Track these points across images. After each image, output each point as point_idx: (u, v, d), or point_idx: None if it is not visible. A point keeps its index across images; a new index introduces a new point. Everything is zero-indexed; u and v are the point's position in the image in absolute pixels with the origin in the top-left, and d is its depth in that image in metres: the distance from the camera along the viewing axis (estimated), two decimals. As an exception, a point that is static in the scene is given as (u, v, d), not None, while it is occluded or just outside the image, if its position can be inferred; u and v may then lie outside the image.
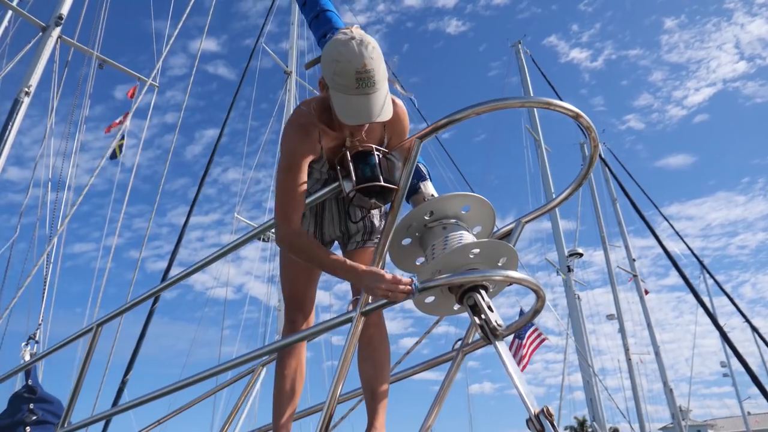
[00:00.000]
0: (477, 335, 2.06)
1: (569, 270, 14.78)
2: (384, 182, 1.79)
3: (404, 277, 1.70)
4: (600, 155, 17.71)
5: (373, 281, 1.68)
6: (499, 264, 1.91)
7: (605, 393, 13.44)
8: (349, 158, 1.81)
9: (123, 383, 6.96)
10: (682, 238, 13.82)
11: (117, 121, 8.03)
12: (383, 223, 2.13)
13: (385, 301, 1.75)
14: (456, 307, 1.98)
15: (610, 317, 17.85)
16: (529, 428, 1.60)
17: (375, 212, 2.13)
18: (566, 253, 15.04)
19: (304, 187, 1.88)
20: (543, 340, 12.09)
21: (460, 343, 2.13)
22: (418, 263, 2.09)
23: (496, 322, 1.77)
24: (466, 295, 1.84)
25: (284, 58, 12.80)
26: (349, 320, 1.80)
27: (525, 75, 17.51)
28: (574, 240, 16.50)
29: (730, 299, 13.76)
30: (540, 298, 1.86)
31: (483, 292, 1.83)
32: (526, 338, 12.45)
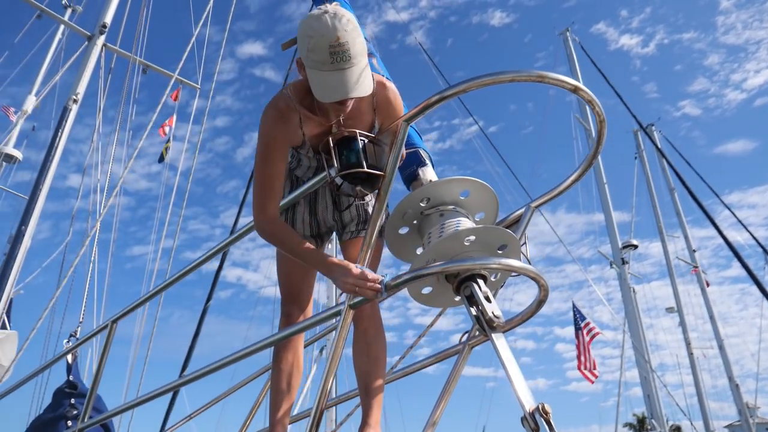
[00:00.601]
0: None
1: (624, 262, 14.25)
2: (369, 168, 1.70)
3: (379, 273, 1.64)
4: (656, 144, 17.03)
5: (340, 275, 1.63)
6: (499, 252, 1.80)
7: (664, 390, 12.87)
8: (332, 144, 1.73)
9: (176, 391, 7.12)
10: (745, 227, 13.00)
11: (166, 123, 8.22)
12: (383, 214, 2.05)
13: None
14: (457, 298, 1.88)
15: (669, 310, 17.10)
16: (523, 426, 1.49)
17: (370, 201, 2.05)
18: (620, 245, 14.51)
19: (281, 175, 1.82)
20: (596, 334, 11.69)
21: (467, 336, 2.03)
22: (418, 253, 2.00)
23: (492, 313, 1.66)
24: (463, 285, 1.75)
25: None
26: (338, 313, 1.73)
27: (574, 63, 16.99)
28: (630, 232, 15.87)
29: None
30: (542, 288, 1.74)
31: (481, 281, 1.73)
32: (583, 330, 12.07)
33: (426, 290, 1.84)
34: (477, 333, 2.00)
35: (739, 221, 13.44)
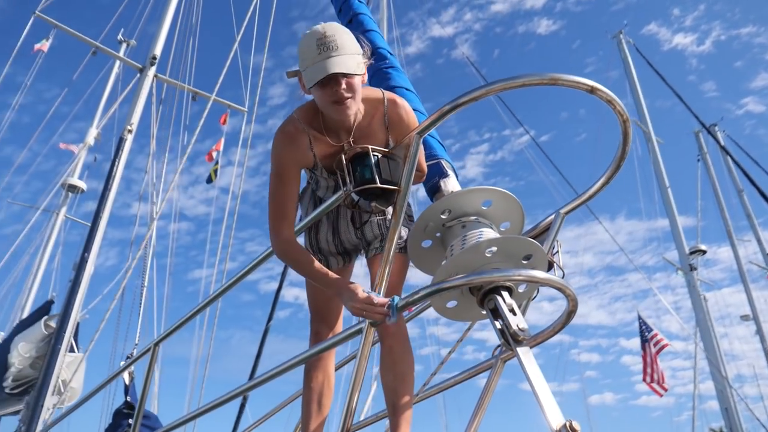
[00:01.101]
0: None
1: (692, 268, 13.59)
2: (383, 183, 1.68)
3: (384, 297, 1.63)
4: (720, 143, 16.27)
5: (347, 300, 1.63)
6: (524, 263, 1.73)
7: (743, 403, 12.11)
8: (344, 161, 1.72)
9: (244, 399, 7.26)
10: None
11: (214, 147, 8.49)
12: (405, 229, 2.01)
13: None
14: (485, 311, 1.82)
15: (744, 318, 16.14)
16: (551, 445, 1.42)
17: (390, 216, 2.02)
18: (687, 251, 13.86)
19: (294, 197, 1.84)
20: (664, 345, 11.16)
21: (499, 350, 1.96)
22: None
23: (517, 326, 1.60)
24: (486, 297, 1.69)
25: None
26: (359, 331, 1.70)
27: (629, 66, 16.47)
28: (696, 237, 15.13)
29: None
30: (570, 299, 1.66)
31: (506, 294, 1.67)
32: (650, 341, 11.57)
33: (451, 304, 1.79)
34: (509, 347, 1.94)
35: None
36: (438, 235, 1.90)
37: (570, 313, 1.72)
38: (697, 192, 16.87)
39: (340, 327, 2.07)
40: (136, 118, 7.44)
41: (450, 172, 2.08)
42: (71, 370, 6.97)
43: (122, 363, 4.74)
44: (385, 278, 1.71)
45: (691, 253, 14.05)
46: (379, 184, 1.66)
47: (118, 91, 8.72)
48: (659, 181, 15.11)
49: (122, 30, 10.50)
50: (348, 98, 1.72)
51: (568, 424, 1.39)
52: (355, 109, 1.77)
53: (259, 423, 3.30)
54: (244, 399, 7.08)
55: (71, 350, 6.99)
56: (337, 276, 1.73)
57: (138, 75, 7.66)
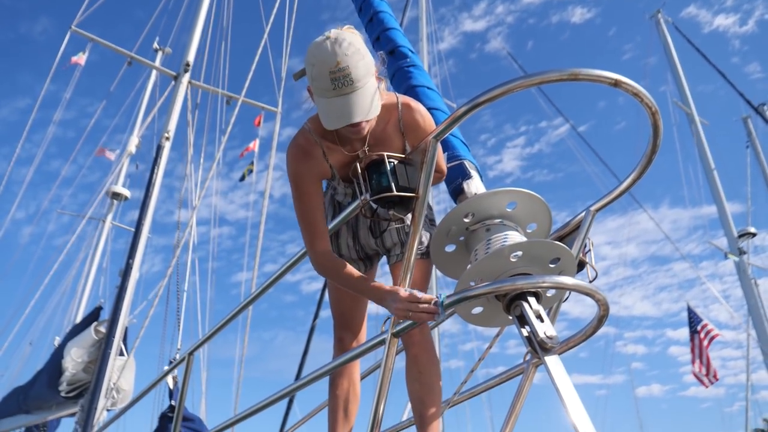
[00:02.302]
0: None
1: (741, 252, 13.07)
2: (400, 190, 1.63)
3: (431, 294, 1.55)
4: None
5: (390, 301, 1.56)
6: (552, 266, 1.67)
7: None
8: (359, 170, 1.69)
9: (291, 398, 7.37)
10: None
11: (248, 147, 8.57)
12: (426, 234, 1.97)
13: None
14: (511, 317, 1.77)
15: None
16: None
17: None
18: (736, 234, 13.34)
19: (319, 208, 1.79)
20: (714, 336, 10.80)
21: (530, 355, 1.90)
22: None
23: (545, 333, 1.54)
24: (513, 303, 1.64)
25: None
26: (382, 342, 1.67)
27: (669, 46, 15.89)
28: (747, 223, 14.52)
29: None
30: (600, 303, 1.59)
31: (532, 299, 1.61)
32: (700, 332, 11.21)
33: (476, 310, 1.74)
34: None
35: None
36: (462, 239, 1.85)
37: (601, 318, 1.65)
38: (746, 179, 16.19)
39: (364, 334, 2.05)
40: (172, 126, 7.58)
41: (473, 173, 2.02)
42: (122, 374, 7.19)
43: (165, 368, 4.84)
44: (407, 284, 1.67)
45: (740, 236, 13.53)
46: (396, 192, 1.62)
47: (156, 98, 8.92)
48: (704, 164, 14.58)
49: (157, 38, 10.72)
50: (364, 127, 1.68)
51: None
52: (370, 127, 1.72)
53: (303, 422, 3.31)
54: (291, 399, 7.17)
55: (121, 354, 7.21)
56: (377, 282, 1.68)
57: (173, 82, 7.80)
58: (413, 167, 1.70)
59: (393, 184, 1.63)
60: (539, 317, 1.58)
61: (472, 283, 1.63)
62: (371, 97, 1.60)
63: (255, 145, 8.13)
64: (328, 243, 1.83)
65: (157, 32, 10.41)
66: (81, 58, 7.46)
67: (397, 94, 1.80)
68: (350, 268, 1.76)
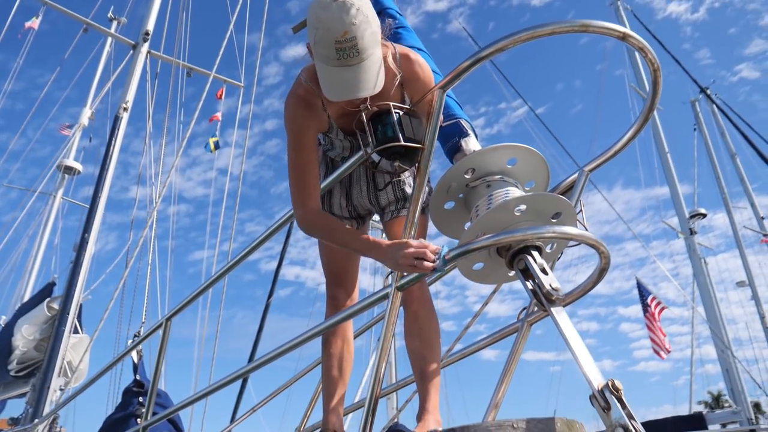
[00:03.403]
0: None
1: (692, 233, 13.60)
2: (406, 141, 1.60)
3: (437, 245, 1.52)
4: (718, 106, 16.17)
5: (398, 250, 1.51)
6: (554, 221, 1.68)
7: (740, 365, 12.22)
8: (365, 121, 1.64)
9: (245, 380, 7.28)
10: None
11: (214, 115, 8.32)
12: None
13: (420, 274, 1.58)
14: (511, 273, 1.76)
15: (740, 284, 16.22)
16: (593, 405, 1.37)
17: (407, 180, 1.95)
18: (687, 215, 13.86)
19: (314, 164, 1.74)
20: (663, 308, 11.22)
21: (525, 312, 1.92)
22: (467, 228, 1.90)
23: (550, 285, 1.54)
24: (516, 257, 1.63)
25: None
26: (386, 296, 1.65)
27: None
28: (693, 203, 15.13)
29: None
30: (602, 255, 1.60)
31: (536, 253, 1.61)
32: (651, 304, 11.61)
33: (477, 266, 1.73)
34: (535, 309, 1.89)
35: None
36: (461, 196, 1.84)
37: (602, 270, 1.66)
38: (693, 160, 16.82)
39: (356, 292, 2.02)
40: (131, 96, 7.30)
41: (470, 131, 2.01)
42: (76, 352, 6.96)
43: (129, 342, 4.70)
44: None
45: (692, 216, 14.06)
46: (402, 142, 1.59)
47: (111, 71, 8.57)
48: (659, 148, 15.04)
49: (112, 8, 10.28)
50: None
51: (610, 383, 1.34)
52: None
53: (264, 402, 3.27)
54: (245, 380, 7.10)
55: (75, 331, 6.97)
56: (376, 239, 1.63)
57: (131, 52, 7.50)
58: (418, 119, 1.67)
59: (399, 134, 1.59)
60: (543, 270, 1.58)
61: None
62: (376, 69, 1.54)
63: (218, 116, 7.91)
64: (319, 200, 1.78)
65: (111, 2, 10.00)
66: (34, 23, 7.08)
67: (394, 45, 1.76)
68: (343, 225, 1.73)
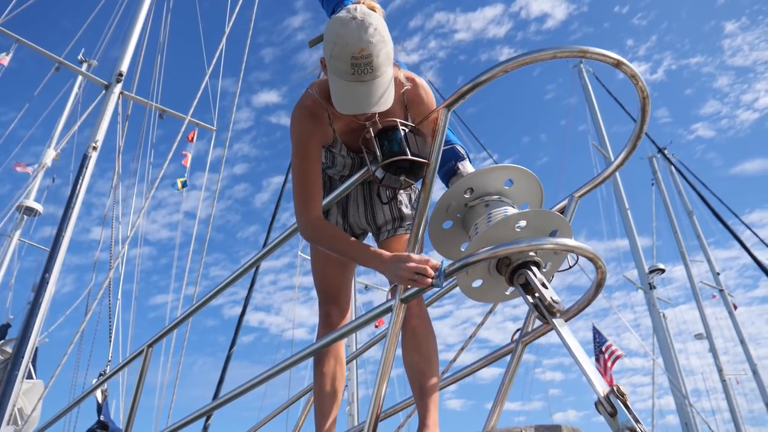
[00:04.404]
0: (538, 322, 1.87)
1: (651, 287, 13.94)
2: (412, 156, 1.65)
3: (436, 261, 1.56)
4: (674, 165, 16.92)
5: (398, 261, 1.56)
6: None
7: (699, 416, 12.38)
8: (373, 136, 1.69)
9: (205, 428, 6.99)
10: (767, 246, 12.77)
11: (186, 157, 8.24)
12: (413, 211, 1.99)
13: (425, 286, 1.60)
14: (508, 291, 1.80)
15: (698, 337, 16.60)
16: (599, 411, 1.40)
17: (403, 200, 2.00)
18: (647, 270, 14.23)
19: (318, 173, 1.79)
20: (618, 356, 11.35)
21: (519, 333, 1.94)
22: (463, 249, 1.93)
23: (551, 298, 1.59)
24: (516, 273, 1.68)
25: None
26: (389, 310, 1.66)
27: (590, 94, 16.95)
28: (652, 256, 15.59)
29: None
30: (600, 270, 1.66)
31: (535, 268, 1.66)
32: (605, 353, 11.70)
33: (477, 283, 1.76)
34: (530, 330, 1.92)
35: (762, 240, 13.23)
36: (459, 215, 1.89)
37: (599, 285, 1.71)
38: (652, 214, 17.43)
39: (350, 309, 2.03)
40: (101, 135, 7.22)
41: (465, 155, 2.08)
42: (28, 398, 6.61)
43: (94, 381, 4.50)
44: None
45: (651, 272, 14.43)
46: (409, 156, 1.64)
47: (78, 112, 8.49)
48: (619, 204, 15.53)
49: (83, 50, 10.27)
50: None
51: (615, 389, 1.37)
52: None
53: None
54: (208, 419, 6.83)
55: (29, 377, 6.63)
56: (378, 249, 1.67)
57: (103, 92, 7.47)
58: (422, 137, 1.73)
59: (407, 149, 1.64)
60: (543, 284, 1.63)
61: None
62: (387, 87, 1.60)
63: (188, 160, 7.87)
64: (321, 209, 1.81)
65: (83, 44, 10.01)
66: (4, 59, 7.01)
67: (401, 68, 1.83)
68: (346, 235, 1.76)
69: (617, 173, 15.77)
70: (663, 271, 14.31)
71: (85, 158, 7.15)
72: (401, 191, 1.98)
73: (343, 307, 1.99)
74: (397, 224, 1.98)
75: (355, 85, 1.56)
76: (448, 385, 2.15)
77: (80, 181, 6.92)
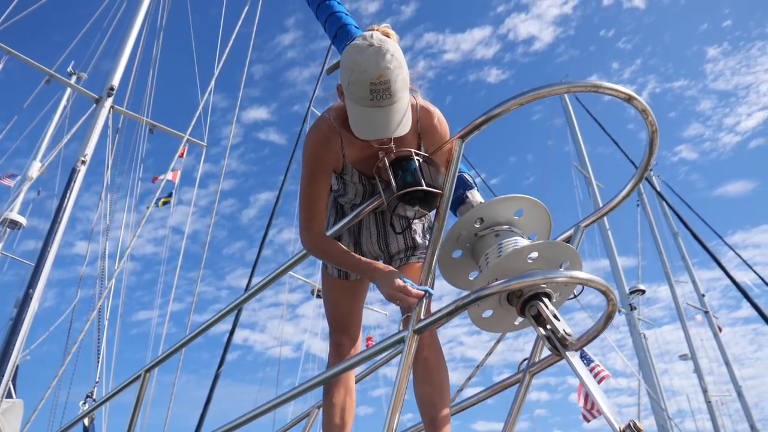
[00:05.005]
0: (545, 352, 1.88)
1: (632, 308, 14.06)
2: (427, 187, 1.66)
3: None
4: (656, 189, 17.15)
5: (384, 284, 1.66)
6: (561, 269, 1.75)
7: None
8: (387, 165, 1.70)
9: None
10: (751, 267, 12.95)
11: (166, 176, 8.19)
12: (426, 240, 2.00)
13: (439, 317, 1.61)
14: (518, 321, 1.81)
15: (683, 357, 16.73)
16: (614, 446, 1.40)
17: (417, 228, 2.01)
18: (627, 291, 14.35)
19: (324, 195, 1.83)
20: (604, 377, 11.39)
21: (526, 363, 1.95)
22: (471, 278, 1.94)
23: (564, 331, 1.60)
24: (527, 304, 1.68)
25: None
26: (401, 340, 1.65)
27: (570, 115, 17.22)
28: (637, 277, 15.76)
29: (814, 328, 12.70)
30: (610, 302, 1.67)
31: (546, 300, 1.67)
32: (590, 373, 11.74)
33: (487, 314, 1.77)
34: (537, 360, 1.93)
35: (744, 261, 13.41)
36: (468, 245, 1.89)
37: (609, 316, 1.72)
38: (637, 235, 17.64)
39: (360, 339, 2.02)
40: (90, 149, 7.17)
41: (473, 184, 2.09)
42: (7, 419, 6.44)
43: (82, 403, 4.41)
44: (428, 283, 1.67)
45: (631, 292, 14.56)
46: (424, 187, 1.65)
47: (66, 125, 8.41)
48: (600, 225, 15.70)
49: (72, 62, 10.20)
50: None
51: (631, 424, 1.38)
52: None
53: None
54: None
55: (8, 395, 6.48)
56: (372, 261, 1.75)
57: (94, 106, 7.43)
58: (435, 167, 1.74)
59: (422, 179, 1.65)
60: (555, 316, 1.64)
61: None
62: (404, 112, 1.63)
63: (176, 175, 7.82)
64: (323, 227, 1.88)
65: (74, 57, 9.95)
66: (-6, 71, 6.95)
67: (416, 97, 1.85)
68: (343, 247, 1.82)
69: (597, 194, 16.00)
70: (643, 292, 14.44)
71: (73, 172, 7.08)
72: (415, 220, 1.99)
73: (354, 336, 1.99)
74: (410, 253, 2.00)
75: (373, 110, 1.58)
76: (454, 414, 2.14)
77: (68, 194, 6.85)
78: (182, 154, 7.87)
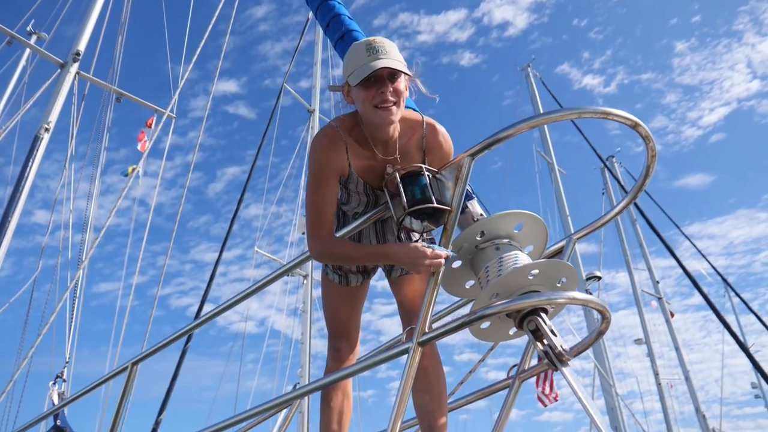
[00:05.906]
0: (534, 360, 1.95)
1: (588, 294, 14.49)
2: (436, 203, 1.70)
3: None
4: (616, 177, 17.60)
5: (414, 255, 1.70)
6: (558, 285, 1.81)
7: (633, 418, 13.05)
8: (399, 180, 1.73)
9: (157, 423, 6.82)
10: (705, 257, 13.50)
11: (142, 142, 7.98)
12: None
13: (443, 331, 1.66)
14: (512, 331, 1.87)
15: (637, 342, 17.41)
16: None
17: (418, 240, 2.04)
18: (584, 277, 14.76)
19: (333, 202, 1.84)
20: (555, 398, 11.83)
21: (515, 369, 2.02)
22: (467, 286, 1.99)
23: (561, 347, 1.67)
24: (526, 319, 1.74)
25: (306, 97, 12.95)
26: (405, 351, 1.69)
27: (536, 99, 17.39)
28: (599, 263, 16.23)
29: (758, 317, 13.36)
30: (605, 320, 1.75)
31: (544, 315, 1.73)
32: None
33: (485, 325, 1.82)
34: (527, 367, 2.00)
35: (699, 251, 13.96)
36: (468, 256, 1.94)
37: (600, 333, 1.81)
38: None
39: (358, 345, 2.05)
40: (54, 116, 6.91)
41: (473, 194, 2.13)
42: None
43: (51, 383, 4.33)
44: (433, 300, 1.72)
45: (587, 279, 14.99)
46: (435, 204, 1.68)
47: (24, 90, 8.07)
48: (560, 210, 16.06)
49: (32, 21, 9.74)
50: (392, 102, 1.73)
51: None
52: (397, 117, 1.77)
53: None
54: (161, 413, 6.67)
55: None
56: (386, 244, 1.88)
57: (58, 71, 7.14)
58: (443, 183, 1.77)
59: (432, 196, 1.68)
60: (552, 332, 1.71)
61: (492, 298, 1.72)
62: (402, 65, 1.75)
63: (145, 146, 7.62)
64: (332, 230, 1.87)
65: (35, 18, 9.50)
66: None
67: (422, 115, 1.87)
68: (354, 244, 1.88)
69: (559, 179, 16.31)
70: (599, 278, 14.88)
71: (36, 140, 6.83)
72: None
73: (353, 342, 2.02)
74: None
75: (372, 62, 1.71)
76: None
77: (30, 163, 6.61)
78: (150, 123, 7.67)
